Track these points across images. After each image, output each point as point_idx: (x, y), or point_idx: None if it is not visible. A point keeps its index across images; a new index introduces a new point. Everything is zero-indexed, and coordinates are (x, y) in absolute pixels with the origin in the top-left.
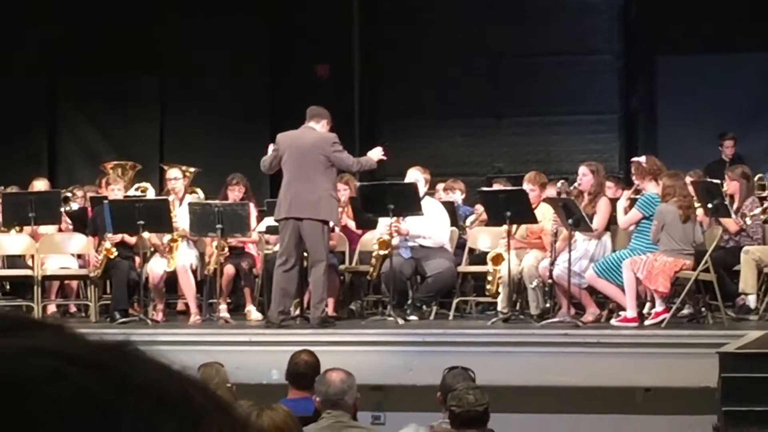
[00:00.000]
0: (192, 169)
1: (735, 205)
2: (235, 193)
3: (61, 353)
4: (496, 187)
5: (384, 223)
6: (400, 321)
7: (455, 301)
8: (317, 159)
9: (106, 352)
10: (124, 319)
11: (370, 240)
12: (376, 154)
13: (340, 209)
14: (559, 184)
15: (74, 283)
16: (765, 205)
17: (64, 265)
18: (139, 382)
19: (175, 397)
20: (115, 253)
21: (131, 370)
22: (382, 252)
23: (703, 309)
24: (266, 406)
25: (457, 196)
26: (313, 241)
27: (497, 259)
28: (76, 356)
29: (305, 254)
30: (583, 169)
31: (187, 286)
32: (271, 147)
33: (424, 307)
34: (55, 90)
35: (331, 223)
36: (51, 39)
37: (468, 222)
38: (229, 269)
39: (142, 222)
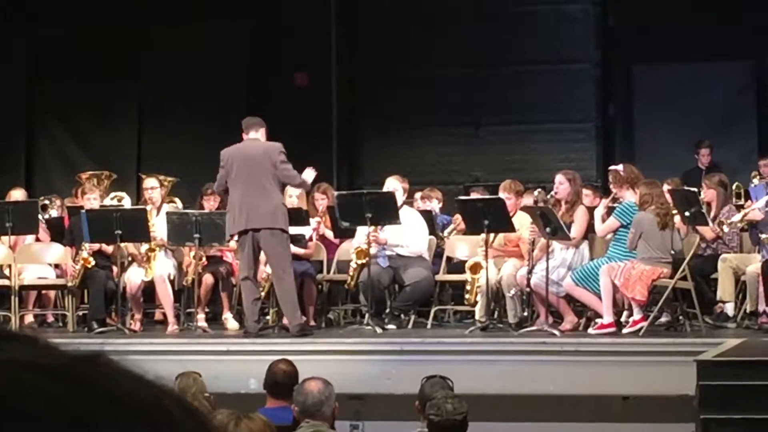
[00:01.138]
0: (170, 179)
1: (712, 213)
2: (210, 203)
3: (36, 366)
4: (473, 195)
5: (362, 232)
6: (378, 330)
7: (433, 309)
8: (268, 168)
9: (81, 364)
10: (101, 329)
11: (348, 249)
12: (309, 175)
13: (318, 218)
14: (536, 193)
15: (52, 293)
16: (742, 213)
17: (42, 275)
18: (115, 394)
19: (151, 409)
20: (93, 263)
21: (107, 382)
22: (360, 261)
23: (680, 317)
24: (244, 415)
25: (435, 205)
26: (275, 251)
27: (475, 268)
28: (51, 368)
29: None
30: (559, 178)
31: (165, 295)
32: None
33: (402, 316)
34: (32, 97)
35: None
36: (29, 44)
37: (446, 233)
38: (208, 279)
39: (119, 231)
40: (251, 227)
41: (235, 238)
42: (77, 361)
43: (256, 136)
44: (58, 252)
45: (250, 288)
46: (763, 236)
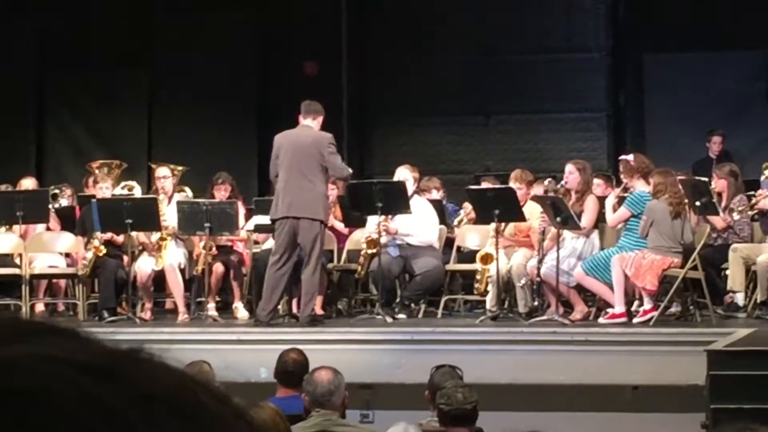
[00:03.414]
0: (180, 168)
1: (723, 203)
2: (221, 193)
3: (74, 361)
4: (484, 185)
5: (372, 221)
6: (389, 319)
7: (444, 299)
8: (315, 158)
9: (119, 360)
10: (112, 318)
11: (358, 238)
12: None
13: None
14: (546, 182)
15: (62, 282)
16: (752, 202)
17: (52, 264)
18: (151, 390)
19: (188, 405)
20: (104, 251)
21: (144, 378)
22: (370, 250)
23: (691, 307)
24: (253, 404)
25: (435, 195)
26: (309, 240)
27: (486, 259)
28: (88, 364)
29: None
30: (569, 167)
31: (175, 284)
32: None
33: (413, 305)
34: (43, 86)
35: None
36: (40, 33)
37: (456, 222)
38: (218, 268)
39: (130, 221)
40: (291, 215)
41: (247, 226)
42: (115, 357)
43: (310, 123)
44: (68, 241)
45: (274, 278)
46: None
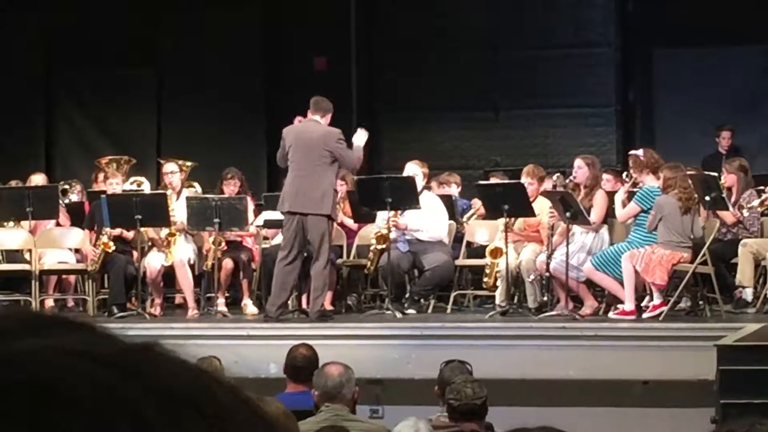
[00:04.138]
0: (189, 163)
1: (732, 198)
2: (230, 188)
3: (90, 354)
4: (493, 180)
5: (382, 217)
6: (398, 314)
7: (453, 294)
8: (322, 153)
9: (134, 353)
10: (121, 314)
11: (367, 234)
12: (360, 138)
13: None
14: (554, 178)
15: (72, 278)
16: (763, 198)
17: (62, 260)
18: (167, 385)
19: (203, 399)
20: (113, 248)
21: (160, 372)
22: (379, 246)
23: (700, 302)
24: (258, 398)
25: (453, 190)
26: (318, 236)
27: (496, 253)
28: (105, 358)
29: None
30: (578, 162)
31: (185, 280)
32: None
33: (422, 300)
34: (51, 84)
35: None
36: (49, 31)
37: (465, 217)
38: (228, 263)
39: (139, 216)
40: (298, 211)
41: (256, 221)
42: (130, 351)
43: (318, 119)
44: (78, 237)
45: (283, 273)
46: None
